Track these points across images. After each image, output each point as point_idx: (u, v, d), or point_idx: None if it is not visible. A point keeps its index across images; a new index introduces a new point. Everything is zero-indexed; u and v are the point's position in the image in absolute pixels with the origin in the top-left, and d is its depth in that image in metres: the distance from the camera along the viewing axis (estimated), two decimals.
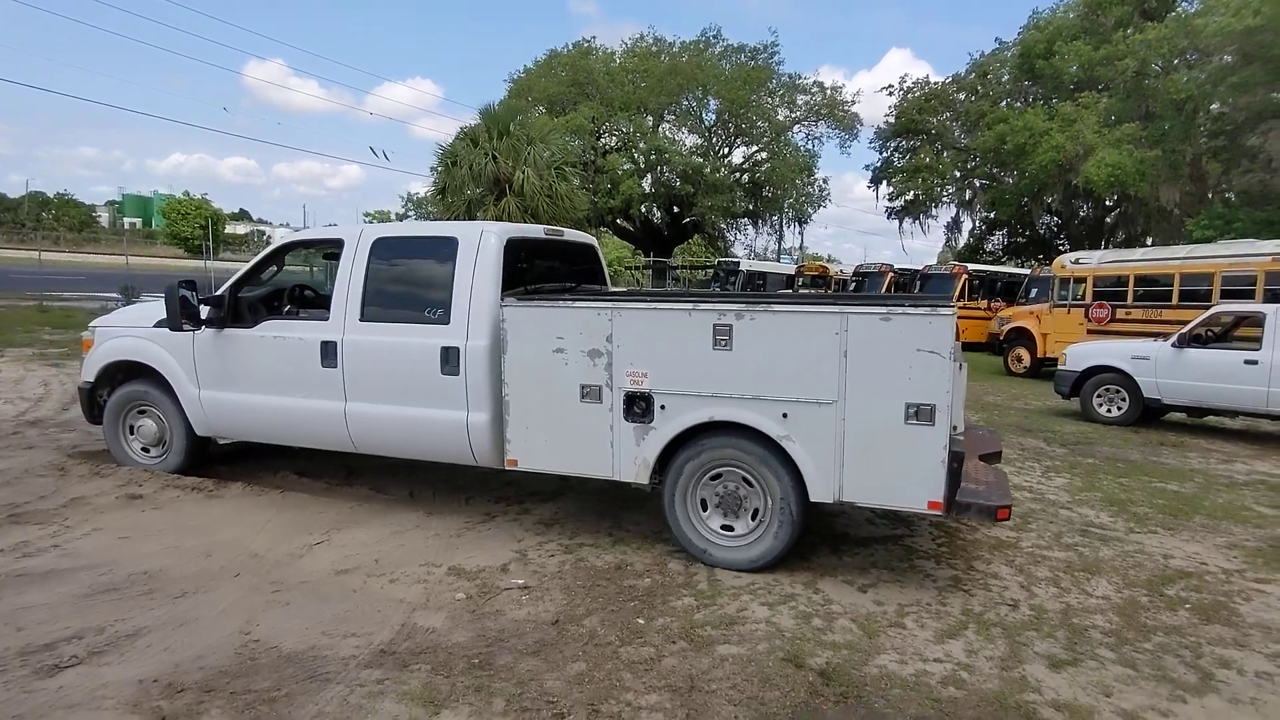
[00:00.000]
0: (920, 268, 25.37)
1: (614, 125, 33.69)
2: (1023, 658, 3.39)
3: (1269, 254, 11.91)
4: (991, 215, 36.00)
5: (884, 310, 3.84)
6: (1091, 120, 25.54)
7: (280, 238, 7.29)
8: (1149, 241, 26.77)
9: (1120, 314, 15.10)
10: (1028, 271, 24.12)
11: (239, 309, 5.34)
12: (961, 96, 35.50)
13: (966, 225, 38.06)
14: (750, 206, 37.06)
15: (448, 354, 4.68)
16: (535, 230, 5.57)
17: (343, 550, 4.42)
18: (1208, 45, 22.69)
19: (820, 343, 3.92)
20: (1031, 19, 32.00)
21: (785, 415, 4.03)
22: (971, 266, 24.85)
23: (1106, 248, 28.44)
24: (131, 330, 5.78)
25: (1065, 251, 24.95)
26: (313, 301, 6.05)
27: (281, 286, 6.05)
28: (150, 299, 7.74)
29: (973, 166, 35.15)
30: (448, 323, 4.70)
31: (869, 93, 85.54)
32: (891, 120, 36.32)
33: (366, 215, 46.26)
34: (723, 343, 4.09)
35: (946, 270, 24.09)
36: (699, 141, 36.09)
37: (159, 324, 5.41)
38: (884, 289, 24.47)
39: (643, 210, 34.86)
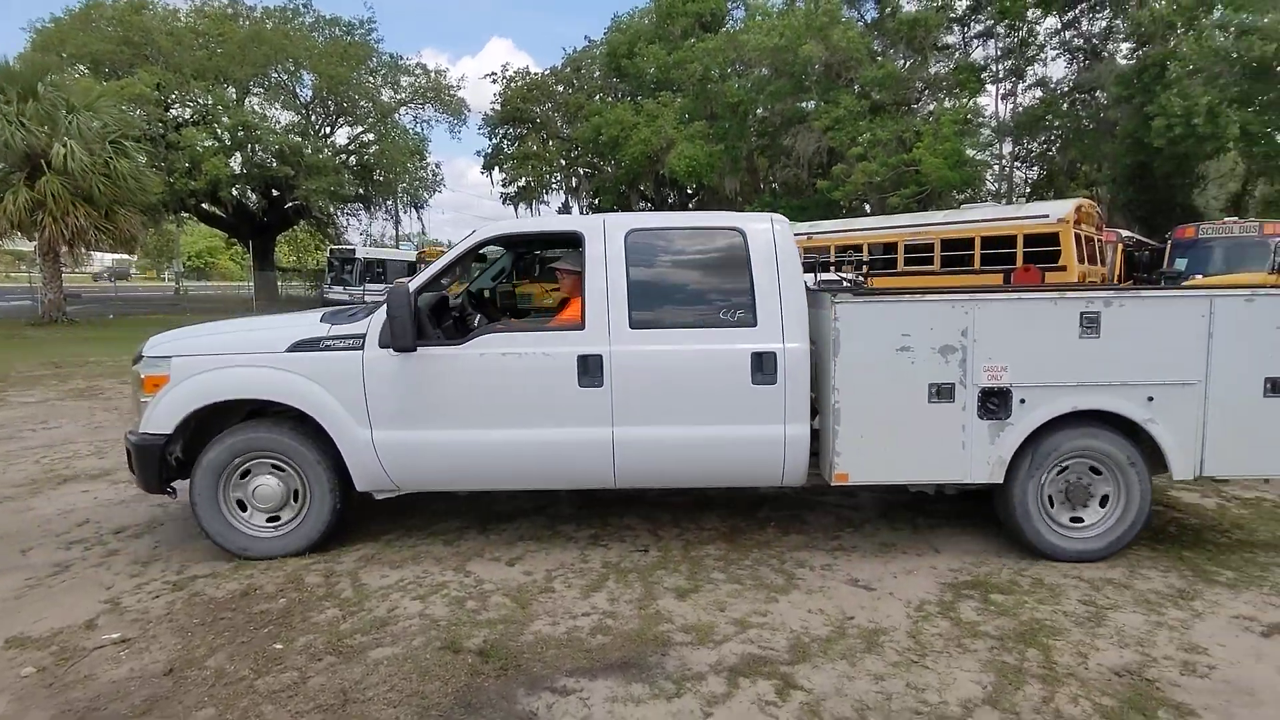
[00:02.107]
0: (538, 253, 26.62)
1: (187, 95, 29.09)
2: (655, 595, 3.77)
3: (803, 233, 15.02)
4: (596, 201, 39.20)
5: (1248, 292, 4.08)
6: (670, 117, 29.26)
7: (482, 230, 4.58)
8: None
9: None
10: None
11: (435, 321, 4.19)
12: (560, 89, 37.85)
13: (575, 211, 40.96)
14: (361, 190, 35.13)
15: (761, 360, 4.06)
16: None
17: None
18: (750, 58, 27.43)
19: (1187, 326, 4.01)
20: (614, 21, 35.35)
21: (1151, 399, 4.04)
22: None
23: None
24: (248, 359, 4.17)
25: None
26: (502, 307, 4.53)
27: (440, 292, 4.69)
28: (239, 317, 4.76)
29: (576, 155, 37.85)
30: (754, 324, 4.10)
31: (474, 79, 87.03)
32: (498, 108, 37.32)
33: None
34: (1089, 331, 3.99)
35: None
36: (296, 119, 33.01)
37: (296, 347, 4.11)
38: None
39: (234, 193, 30.78)
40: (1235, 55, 19.18)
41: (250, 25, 30.29)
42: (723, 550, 4.38)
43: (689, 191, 35.86)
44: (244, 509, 4.20)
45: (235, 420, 4.36)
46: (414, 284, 4.14)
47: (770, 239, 4.25)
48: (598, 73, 37.04)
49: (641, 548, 4.42)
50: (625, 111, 30.62)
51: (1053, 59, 28.72)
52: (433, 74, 35.29)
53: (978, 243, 14.91)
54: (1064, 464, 4.18)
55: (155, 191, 22.08)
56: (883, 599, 3.74)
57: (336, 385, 4.09)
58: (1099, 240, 15.65)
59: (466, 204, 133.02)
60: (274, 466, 4.18)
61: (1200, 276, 13.09)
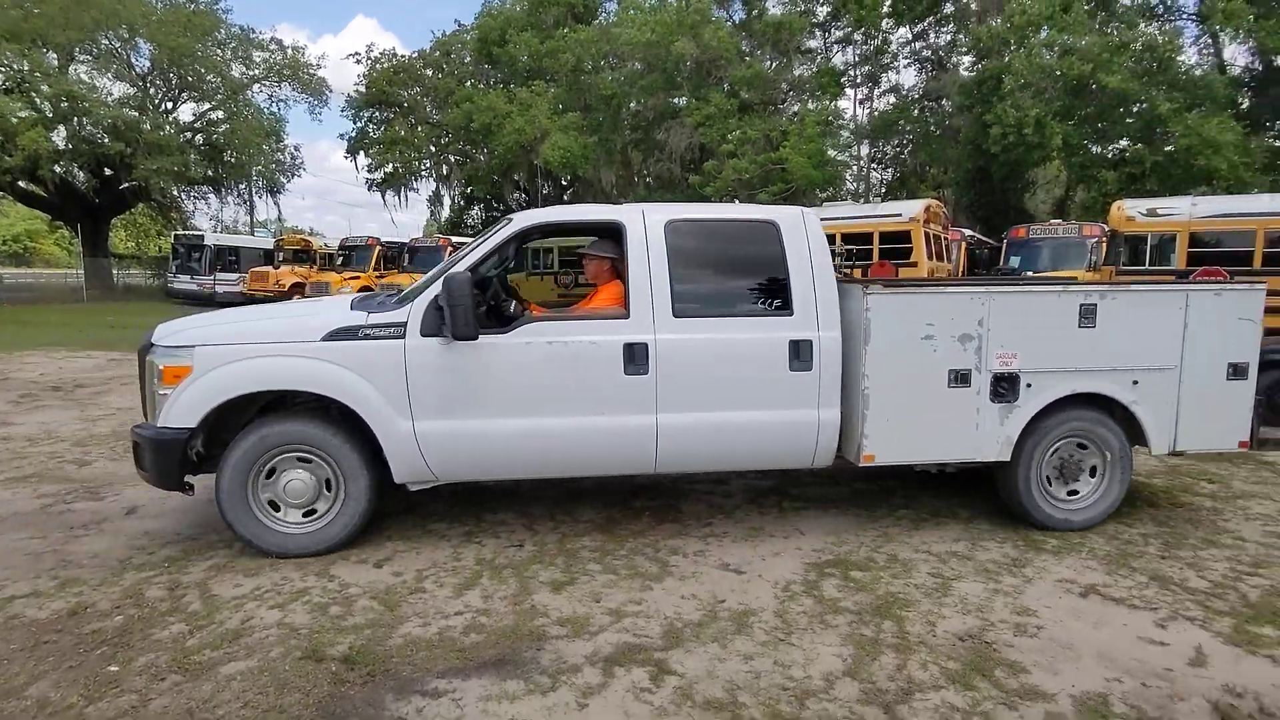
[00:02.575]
0: (408, 240, 25.68)
1: None
2: (530, 589, 3.74)
3: None
4: (469, 190, 38.24)
5: (1217, 287, 4.55)
6: (544, 107, 28.93)
7: (520, 219, 4.35)
8: None
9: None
10: None
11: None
12: (429, 73, 36.60)
13: (447, 199, 39.79)
14: (210, 172, 32.53)
15: (798, 347, 4.24)
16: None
17: None
18: (623, 52, 27.58)
19: (1168, 317, 4.47)
20: (485, 6, 34.50)
21: (1135, 383, 4.49)
22: (455, 239, 26.09)
23: None
24: (281, 348, 3.98)
25: None
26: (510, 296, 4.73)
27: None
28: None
29: (446, 142, 36.74)
30: (791, 314, 4.27)
31: (337, 59, 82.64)
32: (362, 90, 35.63)
33: None
34: (1087, 321, 4.38)
35: (433, 243, 24.87)
36: (132, 92, 30.09)
37: (333, 335, 3.97)
38: (372, 263, 24.15)
39: (56, 171, 27.67)
40: (1059, 73, 21.19)
41: None
42: (599, 541, 4.40)
43: (564, 183, 35.67)
44: (276, 508, 4.06)
45: (245, 415, 4.16)
46: (457, 272, 3.98)
47: (803, 231, 4.41)
48: (468, 58, 36.07)
49: (516, 543, 4.36)
50: (498, 99, 29.99)
51: (904, 67, 30.76)
52: (289, 50, 33.14)
53: (839, 239, 15.71)
54: (1061, 442, 4.59)
55: None
56: (752, 581, 3.88)
57: (377, 375, 3.97)
58: (945, 238, 16.87)
59: (330, 189, 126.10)
60: (300, 459, 4.04)
61: (1030, 273, 14.42)
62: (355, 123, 36.90)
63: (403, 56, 36.22)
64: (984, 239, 21.82)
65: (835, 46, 30.68)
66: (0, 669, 2.96)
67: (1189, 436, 4.62)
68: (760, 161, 24.60)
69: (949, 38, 28.88)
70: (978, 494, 5.27)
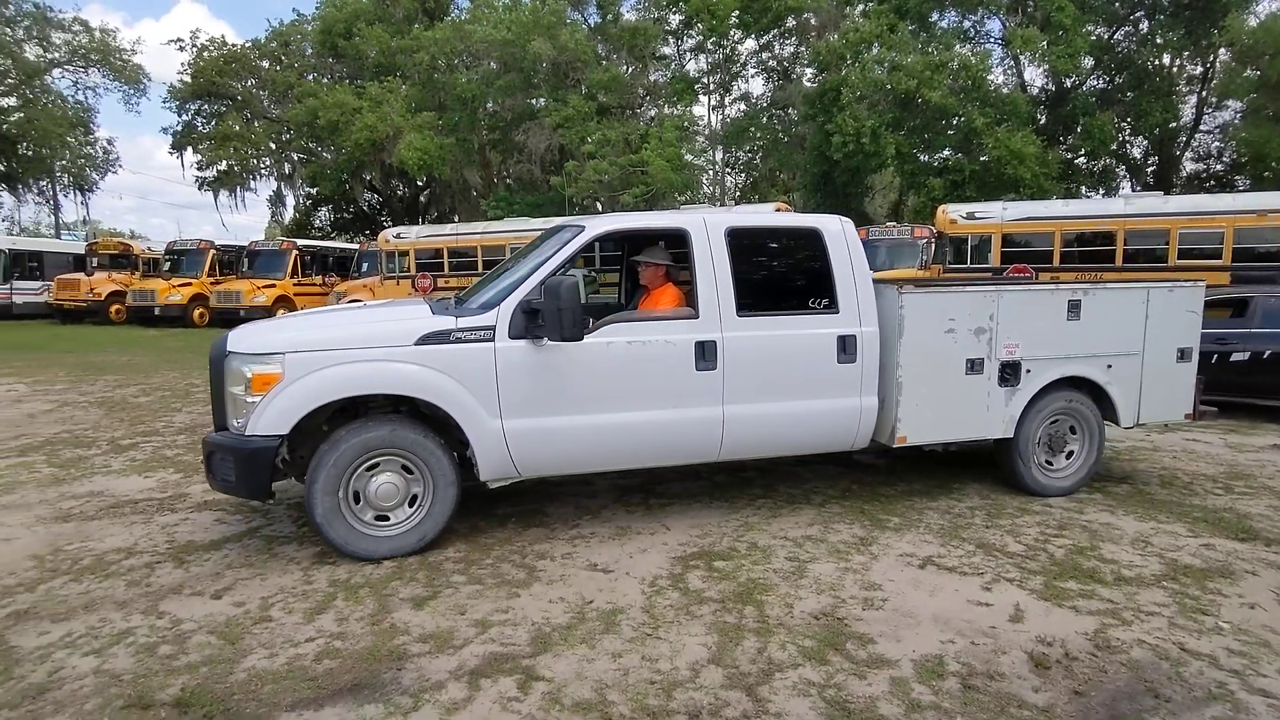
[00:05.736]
0: (247, 244, 23.90)
1: None
2: (390, 607, 3.56)
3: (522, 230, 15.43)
4: (315, 190, 36.12)
5: (1170, 284, 5.36)
6: (397, 104, 27.78)
7: (592, 226, 4.52)
8: (456, 218, 30.74)
9: (441, 283, 17.29)
10: (357, 246, 25.16)
11: None
12: (265, 64, 34.26)
13: (290, 200, 37.38)
14: (4, 167, 28.82)
15: (844, 342, 4.70)
16: None
17: None
18: (478, 50, 26.99)
19: (1134, 310, 5.20)
20: None
21: (1110, 366, 5.20)
22: (301, 242, 24.60)
23: (423, 223, 31.59)
24: (374, 352, 4.01)
25: (388, 227, 26.87)
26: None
27: None
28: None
29: (288, 139, 34.53)
30: (838, 311, 4.71)
31: (157, 45, 75.31)
32: (188, 80, 32.77)
33: None
34: (1074, 314, 5.05)
35: (276, 246, 23.31)
36: None
37: (426, 339, 4.05)
38: (205, 268, 22.33)
39: None
40: (889, 87, 22.86)
41: None
42: (463, 552, 4.27)
43: (420, 184, 34.46)
44: (365, 512, 4.12)
45: (316, 422, 4.14)
46: (544, 278, 4.19)
47: (843, 237, 4.84)
48: (310, 50, 34.03)
49: (374, 560, 4.15)
50: (346, 94, 28.47)
51: (753, 76, 32.06)
52: (97, 33, 29.97)
53: None
54: (1051, 419, 5.23)
55: None
56: (620, 579, 3.89)
57: (468, 377, 4.13)
58: None
59: (155, 189, 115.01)
60: (395, 464, 4.13)
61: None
62: (180, 115, 33.90)
63: (234, 46, 33.66)
64: None
65: (689, 54, 31.53)
66: None
67: (1149, 411, 5.37)
68: (621, 164, 24.85)
69: (792, 50, 30.41)
70: (832, 478, 5.58)
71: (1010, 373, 5.02)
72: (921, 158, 25.36)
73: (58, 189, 31.76)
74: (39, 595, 3.67)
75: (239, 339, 4.22)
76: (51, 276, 23.82)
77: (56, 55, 29.31)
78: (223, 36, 35.19)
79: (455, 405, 4.11)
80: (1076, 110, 24.78)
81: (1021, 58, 25.40)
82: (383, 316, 4.65)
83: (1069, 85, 26.22)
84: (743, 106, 31.55)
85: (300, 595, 3.69)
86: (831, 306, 4.74)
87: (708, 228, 4.62)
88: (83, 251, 25.73)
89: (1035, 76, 27.76)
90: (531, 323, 4.16)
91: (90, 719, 2.67)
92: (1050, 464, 5.30)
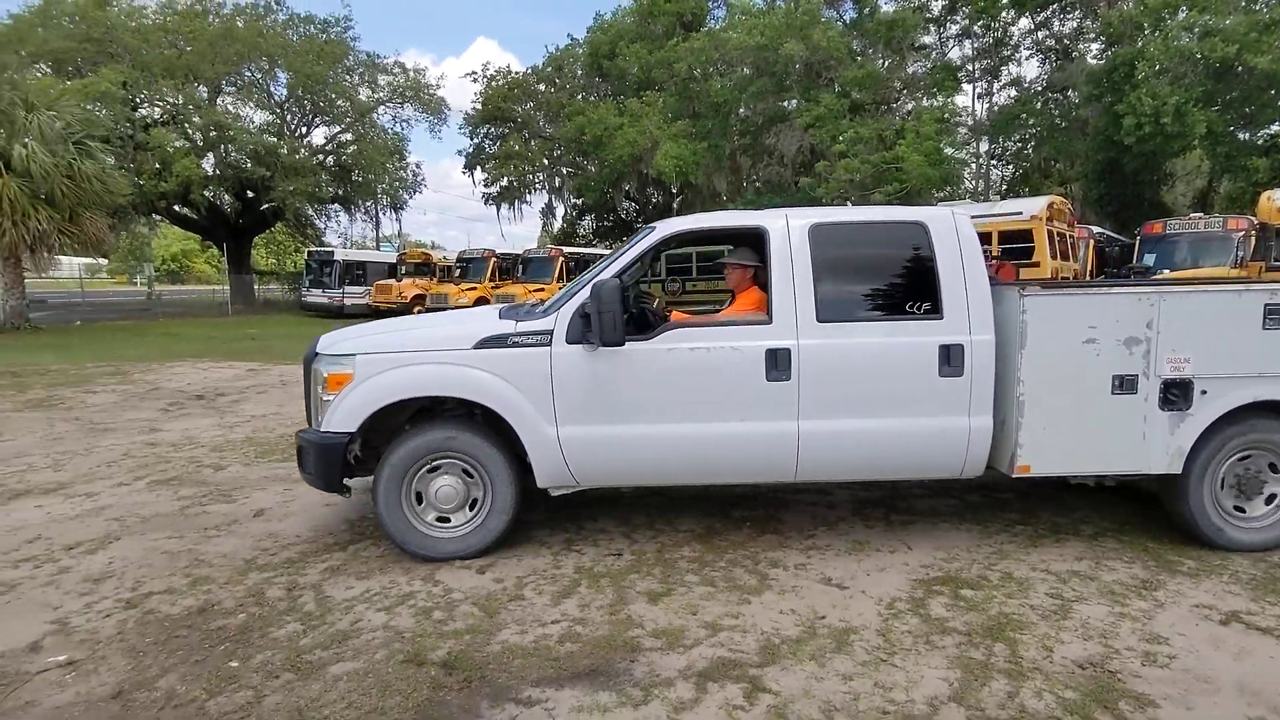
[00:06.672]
0: (521, 252, 26.54)
1: (156, 94, 28.59)
2: (627, 599, 3.74)
3: None
4: (580, 201, 39.00)
5: None
6: (655, 117, 29.11)
7: (661, 227, 4.48)
8: None
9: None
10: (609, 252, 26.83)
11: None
12: (542, 88, 37.62)
13: (559, 211, 40.76)
14: (340, 191, 34.78)
15: (949, 352, 4.09)
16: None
17: None
18: (732, 57, 27.40)
19: None
20: (596, 20, 35.07)
21: None
22: (567, 249, 26.72)
23: None
24: (435, 356, 4.17)
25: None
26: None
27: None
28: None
29: (559, 155, 37.63)
30: (941, 317, 4.12)
31: (456, 79, 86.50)
32: (479, 107, 37.04)
33: None
34: (1274, 322, 4.01)
35: (545, 254, 25.54)
36: (270, 119, 32.62)
37: (484, 343, 4.11)
38: (488, 274, 25.10)
39: (207, 195, 30.33)
40: (1199, 56, 19.43)
41: (220, 23, 29.83)
42: (697, 552, 4.35)
43: (673, 191, 35.81)
44: (427, 513, 4.25)
45: (397, 421, 4.37)
46: (607, 279, 4.04)
47: (953, 231, 4.25)
48: (579, 72, 36.88)
49: (615, 552, 4.38)
50: (608, 112, 30.43)
51: (1026, 59, 29.09)
52: (410, 73, 34.98)
53: None
54: (1240, 455, 4.21)
55: (123, 193, 21.68)
56: (854, 597, 3.73)
57: (525, 381, 4.09)
58: (1071, 236, 15.79)
59: (450, 204, 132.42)
60: (455, 467, 4.21)
61: (1168, 271, 13.25)
62: (472, 139, 38.47)
63: (516, 74, 37.47)
64: (1115, 236, 20.29)
65: (951, 41, 29.38)
66: (136, 660, 3.23)
67: None
68: (874, 161, 23.83)
69: (1075, 25, 27.07)
70: (1106, 508, 4.88)
71: (1177, 393, 4.06)
72: (1241, 136, 21.26)
73: (378, 208, 37.62)
74: (349, 555, 4.37)
75: (325, 342, 4.44)
76: (372, 282, 28.28)
77: (381, 95, 34.74)
78: (508, 66, 39.54)
79: (510, 409, 4.08)
80: None
81: None
82: (453, 320, 4.71)
83: None
84: (1013, 92, 28.73)
85: (549, 578, 4.01)
86: (934, 311, 4.14)
87: (789, 225, 4.24)
88: (395, 261, 30.38)
89: None
90: (587, 327, 4.01)
91: (379, 667, 3.13)
92: (1242, 511, 4.22)
